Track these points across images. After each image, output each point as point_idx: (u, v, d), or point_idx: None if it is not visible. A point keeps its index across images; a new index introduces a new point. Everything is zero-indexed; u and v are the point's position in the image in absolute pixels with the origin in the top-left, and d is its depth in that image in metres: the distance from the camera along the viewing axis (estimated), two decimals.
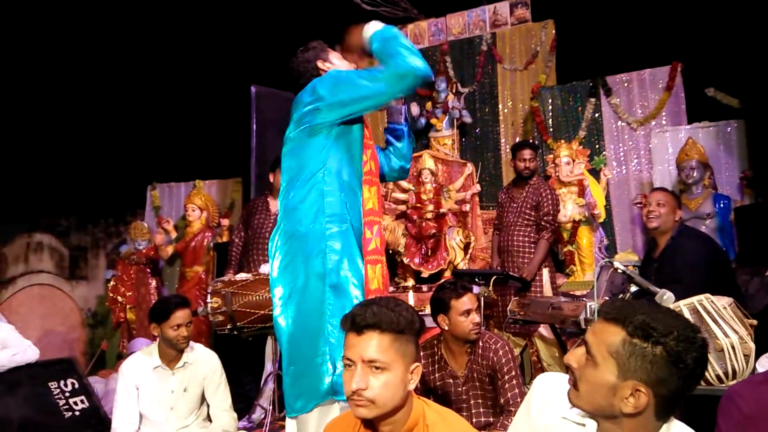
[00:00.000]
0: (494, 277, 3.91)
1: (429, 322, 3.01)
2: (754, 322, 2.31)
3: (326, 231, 2.09)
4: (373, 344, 1.44)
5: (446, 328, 2.74)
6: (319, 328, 2.05)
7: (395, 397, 1.45)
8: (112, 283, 6.37)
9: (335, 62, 2.35)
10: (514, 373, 2.68)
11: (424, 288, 4.95)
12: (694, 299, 2.21)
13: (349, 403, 1.47)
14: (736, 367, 2.14)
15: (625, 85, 5.64)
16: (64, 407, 3.55)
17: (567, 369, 1.33)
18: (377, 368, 1.43)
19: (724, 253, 3.57)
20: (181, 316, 2.87)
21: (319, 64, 2.34)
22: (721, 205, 4.64)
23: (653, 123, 5.46)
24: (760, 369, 2.18)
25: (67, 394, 3.63)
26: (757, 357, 2.23)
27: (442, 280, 4.22)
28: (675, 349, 1.18)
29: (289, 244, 2.13)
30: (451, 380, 2.80)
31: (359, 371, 1.43)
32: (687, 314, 2.16)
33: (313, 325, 2.06)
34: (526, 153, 4.45)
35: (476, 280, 3.92)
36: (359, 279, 2.10)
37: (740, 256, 4.20)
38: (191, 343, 3.03)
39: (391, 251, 5.21)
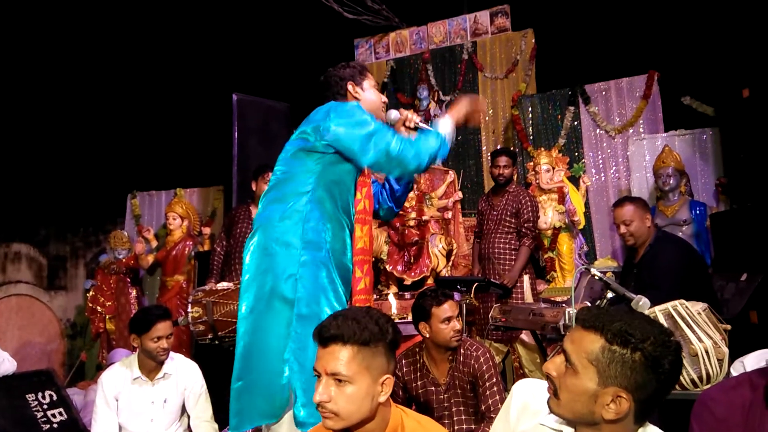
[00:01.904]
0: (476, 284, 3.93)
1: (411, 329, 3.02)
2: (728, 327, 2.35)
3: (300, 257, 2.05)
4: (336, 357, 1.44)
5: (427, 335, 2.74)
6: (278, 350, 2.02)
7: (361, 410, 1.44)
8: (91, 293, 6.30)
9: (366, 88, 2.31)
10: (495, 380, 2.70)
11: (407, 295, 4.95)
12: (668, 305, 2.24)
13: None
14: (710, 372, 2.18)
15: (603, 93, 5.72)
16: (42, 420, 3.50)
17: (546, 377, 1.35)
18: (340, 381, 1.43)
19: (701, 258, 3.64)
20: (162, 328, 2.85)
21: (350, 86, 2.29)
22: (697, 212, 4.72)
23: (631, 131, 5.55)
24: (734, 373, 2.21)
25: (45, 407, 3.57)
26: (730, 361, 2.27)
27: (424, 288, 4.24)
28: (653, 354, 1.20)
29: (261, 258, 2.10)
30: (433, 388, 2.81)
31: (323, 383, 1.44)
32: (662, 319, 2.19)
33: (272, 346, 2.02)
34: (502, 160, 4.49)
35: (458, 287, 3.95)
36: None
37: (716, 262, 4.27)
38: (171, 353, 3.01)
39: (373, 259, 5.21)
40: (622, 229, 3.24)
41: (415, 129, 2.29)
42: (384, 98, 2.39)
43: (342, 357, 1.44)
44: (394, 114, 2.33)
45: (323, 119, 2.11)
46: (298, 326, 2.01)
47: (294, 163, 2.15)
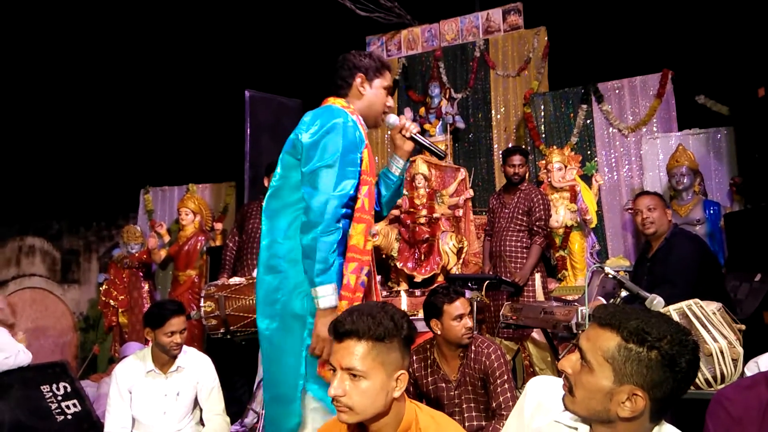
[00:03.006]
0: (487, 281, 3.93)
1: (422, 326, 3.03)
2: (743, 327, 2.35)
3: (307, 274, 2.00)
4: (351, 352, 1.45)
5: (439, 332, 2.75)
6: (295, 367, 2.01)
7: (375, 405, 1.45)
8: (104, 286, 6.36)
9: (375, 86, 2.22)
10: (506, 377, 2.70)
11: (417, 292, 4.96)
12: (683, 304, 2.24)
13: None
14: (724, 372, 2.17)
15: (617, 91, 5.69)
16: (57, 411, 3.55)
17: (560, 374, 1.35)
18: (355, 376, 1.44)
19: (715, 257, 3.61)
20: (176, 323, 2.88)
21: (358, 78, 2.19)
22: (711, 212, 4.69)
23: (644, 129, 5.52)
24: (748, 373, 2.21)
25: (60, 398, 3.62)
26: (745, 361, 2.26)
27: (435, 285, 4.24)
28: (669, 352, 1.20)
29: (271, 276, 2.07)
30: (443, 384, 2.82)
31: (338, 378, 1.45)
32: (676, 319, 2.18)
33: (288, 363, 2.02)
34: (516, 159, 4.48)
35: (469, 284, 3.95)
36: None
37: (730, 262, 4.24)
38: (184, 347, 3.03)
39: (384, 255, 5.23)
40: (645, 213, 3.20)
41: (411, 139, 2.23)
42: (390, 102, 2.30)
43: (357, 352, 1.45)
44: (392, 119, 2.27)
45: (304, 133, 2.05)
46: (310, 342, 1.98)
47: (291, 171, 2.10)
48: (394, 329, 1.48)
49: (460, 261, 5.24)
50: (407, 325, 1.52)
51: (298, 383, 2.00)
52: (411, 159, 5.48)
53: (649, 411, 1.23)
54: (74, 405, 3.63)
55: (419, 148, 2.33)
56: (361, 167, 2.11)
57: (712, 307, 2.31)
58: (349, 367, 1.44)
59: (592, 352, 1.26)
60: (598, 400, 1.25)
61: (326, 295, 1.93)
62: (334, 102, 2.20)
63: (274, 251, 2.07)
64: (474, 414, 2.78)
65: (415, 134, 2.24)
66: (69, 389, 3.71)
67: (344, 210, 2.02)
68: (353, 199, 2.09)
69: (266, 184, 4.64)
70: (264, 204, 2.17)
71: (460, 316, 2.69)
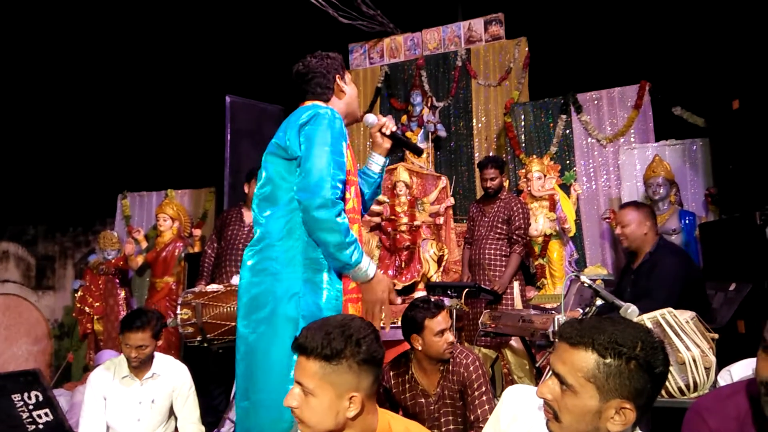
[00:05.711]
0: (466, 289, 3.93)
1: (400, 334, 3.00)
2: (716, 335, 2.37)
3: (302, 274, 1.99)
4: (301, 367, 1.45)
5: (419, 348, 2.67)
6: (283, 370, 1.96)
7: (325, 422, 1.44)
8: (79, 293, 6.25)
9: (348, 81, 2.25)
10: (484, 389, 2.65)
11: (398, 300, 4.95)
12: (656, 313, 2.26)
13: None
14: (697, 380, 2.19)
15: (595, 102, 5.77)
16: (28, 420, 3.46)
17: (538, 381, 1.34)
18: (304, 391, 1.44)
19: (698, 269, 3.65)
20: (132, 338, 2.80)
21: (338, 79, 2.21)
22: (687, 221, 4.76)
23: (622, 140, 5.60)
24: (721, 382, 2.23)
25: (31, 407, 3.53)
26: (717, 370, 2.28)
27: (415, 297, 4.24)
28: (646, 359, 1.22)
29: (261, 279, 2.02)
30: (423, 399, 2.75)
31: (294, 389, 1.45)
32: (650, 327, 2.20)
33: (275, 367, 1.97)
34: (489, 172, 4.47)
35: (449, 292, 3.96)
36: None
37: (705, 272, 4.29)
38: (160, 354, 2.99)
39: None
40: (618, 230, 3.33)
41: (391, 137, 2.25)
42: (356, 89, 2.34)
43: (305, 368, 1.44)
44: (372, 118, 2.27)
45: (301, 130, 2.02)
46: None
47: (280, 172, 2.06)
48: (346, 351, 1.43)
49: (441, 269, 5.26)
50: (367, 347, 1.46)
51: (286, 387, 1.93)
52: (393, 167, 5.52)
53: (635, 419, 1.24)
54: (46, 414, 3.54)
55: (399, 146, 2.34)
56: (346, 167, 2.09)
57: (685, 316, 2.33)
58: (299, 382, 1.44)
59: (571, 374, 1.25)
60: (588, 421, 1.25)
61: (367, 267, 2.00)
62: (315, 102, 2.19)
63: (266, 254, 2.03)
64: (452, 427, 2.73)
65: (395, 131, 2.27)
66: (41, 398, 3.61)
67: (338, 192, 2.00)
68: (344, 200, 2.08)
69: (246, 191, 4.61)
70: (254, 210, 2.13)
71: (442, 331, 2.63)
